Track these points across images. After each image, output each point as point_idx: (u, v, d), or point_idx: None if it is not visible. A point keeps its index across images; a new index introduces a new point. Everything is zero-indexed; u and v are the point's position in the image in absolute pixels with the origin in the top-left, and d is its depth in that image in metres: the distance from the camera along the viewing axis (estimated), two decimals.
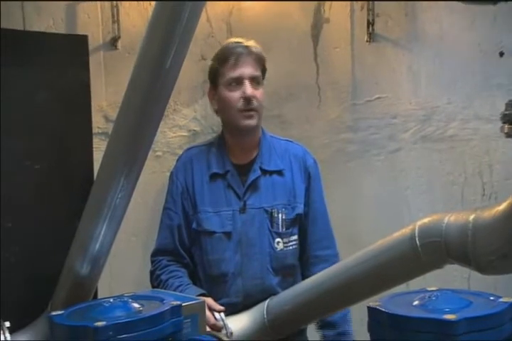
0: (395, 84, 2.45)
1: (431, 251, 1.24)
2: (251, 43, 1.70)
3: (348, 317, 1.72)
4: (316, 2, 2.41)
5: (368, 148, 2.46)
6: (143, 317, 1.04)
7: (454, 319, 0.91)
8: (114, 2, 2.26)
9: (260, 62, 1.70)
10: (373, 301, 1.04)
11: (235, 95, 1.66)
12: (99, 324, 1.00)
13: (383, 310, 0.98)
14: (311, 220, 1.74)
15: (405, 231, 1.31)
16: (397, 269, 1.35)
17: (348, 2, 2.39)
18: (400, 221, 2.30)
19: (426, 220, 1.28)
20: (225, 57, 1.68)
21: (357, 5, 2.39)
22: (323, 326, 1.71)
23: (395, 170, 2.46)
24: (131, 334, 1.01)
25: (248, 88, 1.65)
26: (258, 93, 1.67)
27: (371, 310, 1.00)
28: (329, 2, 2.39)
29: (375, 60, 2.44)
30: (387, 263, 1.35)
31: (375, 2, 2.36)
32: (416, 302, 1.02)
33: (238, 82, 1.66)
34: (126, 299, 1.13)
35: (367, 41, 2.40)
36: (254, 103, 1.66)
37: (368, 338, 1.04)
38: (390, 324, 0.96)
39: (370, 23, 2.37)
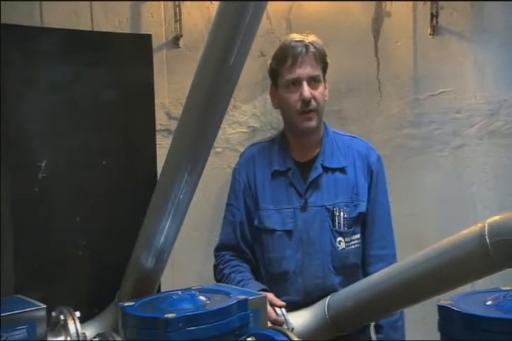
0: (459, 78, 2.37)
1: (502, 249, 1.20)
2: (311, 39, 1.66)
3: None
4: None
5: (431, 143, 2.40)
6: (212, 310, 1.05)
7: None
8: (177, 2, 2.30)
9: (320, 59, 1.67)
10: (444, 299, 1.01)
11: (294, 97, 1.65)
12: (170, 316, 1.02)
13: (456, 309, 0.95)
14: (371, 218, 1.71)
15: (474, 229, 1.27)
16: (464, 268, 1.32)
17: None
18: (464, 219, 2.24)
19: (497, 218, 1.23)
20: (283, 58, 1.66)
21: None
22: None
23: (460, 167, 2.39)
24: (200, 327, 1.03)
25: (306, 90, 1.63)
26: (317, 92, 1.65)
27: (442, 309, 0.98)
28: None
29: (438, 53, 2.37)
30: (453, 262, 1.31)
31: None
32: (490, 302, 0.99)
33: (296, 83, 1.64)
34: (193, 292, 1.15)
35: (430, 34, 2.34)
36: (313, 104, 1.64)
37: (433, 337, 1.01)
38: (463, 324, 0.94)
39: (434, 16, 2.31)
